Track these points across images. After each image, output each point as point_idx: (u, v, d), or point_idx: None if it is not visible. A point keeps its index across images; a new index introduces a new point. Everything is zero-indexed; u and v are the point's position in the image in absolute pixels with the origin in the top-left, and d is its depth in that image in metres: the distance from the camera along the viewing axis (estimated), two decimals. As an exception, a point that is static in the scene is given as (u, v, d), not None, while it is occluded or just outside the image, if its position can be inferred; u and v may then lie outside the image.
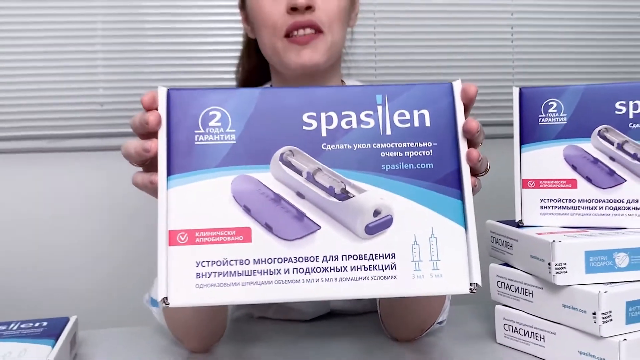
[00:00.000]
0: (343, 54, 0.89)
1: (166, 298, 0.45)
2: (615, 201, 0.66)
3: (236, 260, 0.46)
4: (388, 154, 0.48)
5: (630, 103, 0.65)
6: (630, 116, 0.65)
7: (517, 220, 0.70)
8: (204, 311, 0.69)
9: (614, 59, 1.56)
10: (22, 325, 0.69)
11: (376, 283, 0.46)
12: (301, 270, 0.46)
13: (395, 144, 0.48)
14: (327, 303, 0.87)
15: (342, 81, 0.91)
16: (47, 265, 1.40)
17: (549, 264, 0.62)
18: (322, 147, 0.48)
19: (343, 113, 0.49)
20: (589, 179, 0.67)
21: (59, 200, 1.41)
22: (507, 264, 0.71)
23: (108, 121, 1.40)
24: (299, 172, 0.48)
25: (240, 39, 0.98)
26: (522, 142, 0.70)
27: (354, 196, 0.47)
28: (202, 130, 0.48)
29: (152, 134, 0.48)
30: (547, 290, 0.65)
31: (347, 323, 0.84)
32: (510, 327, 0.70)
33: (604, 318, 0.59)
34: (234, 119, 0.48)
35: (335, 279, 0.46)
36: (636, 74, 1.56)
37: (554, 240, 0.62)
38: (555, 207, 0.69)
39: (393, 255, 0.47)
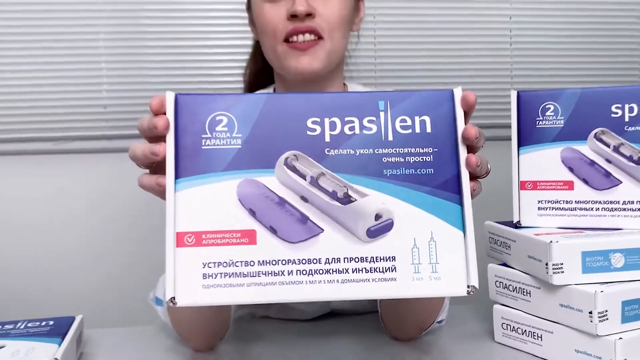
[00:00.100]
0: (346, 57, 0.89)
1: (174, 298, 0.45)
2: (611, 202, 0.67)
3: (241, 261, 0.46)
4: (389, 160, 0.49)
5: (626, 106, 0.66)
6: (626, 119, 0.66)
7: (515, 221, 0.70)
8: (208, 310, 0.70)
9: (611, 62, 1.56)
10: (30, 325, 0.70)
11: (377, 285, 0.47)
12: (304, 272, 0.46)
13: (397, 149, 0.49)
14: (328, 303, 0.87)
15: (344, 85, 0.90)
16: (53, 265, 1.40)
17: (546, 264, 0.63)
18: (326, 152, 0.48)
19: (346, 119, 0.49)
20: (585, 181, 0.68)
21: (63, 201, 1.41)
22: (505, 264, 0.72)
23: (111, 123, 1.41)
24: (303, 177, 0.48)
25: (243, 42, 0.99)
26: (520, 144, 0.70)
27: (356, 200, 0.48)
28: (209, 135, 0.48)
29: (159, 138, 0.48)
30: (545, 290, 0.66)
31: (347, 322, 0.84)
32: (508, 326, 0.71)
33: (600, 317, 0.60)
34: (240, 124, 0.48)
35: (337, 281, 0.47)
36: (631, 77, 1.57)
37: (551, 241, 0.63)
38: (553, 209, 0.69)
39: (393, 258, 0.47)
